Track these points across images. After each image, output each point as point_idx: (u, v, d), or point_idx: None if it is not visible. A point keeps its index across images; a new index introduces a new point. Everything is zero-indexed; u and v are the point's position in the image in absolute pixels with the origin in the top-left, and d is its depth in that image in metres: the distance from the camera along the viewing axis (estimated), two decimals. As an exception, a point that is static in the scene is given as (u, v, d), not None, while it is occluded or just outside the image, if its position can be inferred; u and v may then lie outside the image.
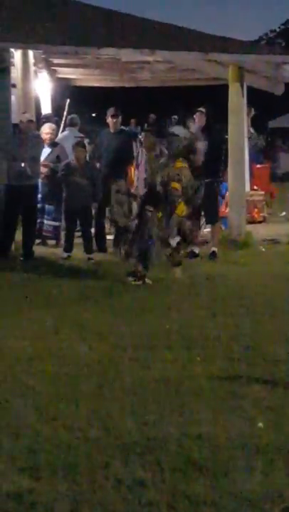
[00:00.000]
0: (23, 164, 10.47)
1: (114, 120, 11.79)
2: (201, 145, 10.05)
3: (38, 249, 11.14)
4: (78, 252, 10.91)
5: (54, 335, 6.79)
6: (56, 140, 12.16)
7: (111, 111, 11.86)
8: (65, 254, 10.85)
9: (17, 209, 10.68)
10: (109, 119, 11.85)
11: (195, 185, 9.77)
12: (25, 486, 3.88)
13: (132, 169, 12.10)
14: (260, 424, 4.65)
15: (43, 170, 11.50)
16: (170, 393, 5.22)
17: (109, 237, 11.82)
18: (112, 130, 11.84)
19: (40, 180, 11.35)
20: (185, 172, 9.48)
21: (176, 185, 9.34)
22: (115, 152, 11.56)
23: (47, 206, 11.88)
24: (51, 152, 11.76)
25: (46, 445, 4.35)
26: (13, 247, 10.84)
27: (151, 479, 3.94)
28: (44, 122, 12.71)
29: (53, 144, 11.92)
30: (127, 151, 11.76)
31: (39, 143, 11.33)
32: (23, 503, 3.73)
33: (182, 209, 9.40)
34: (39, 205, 11.64)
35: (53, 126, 12.39)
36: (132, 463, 4.13)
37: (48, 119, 13.27)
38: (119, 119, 11.90)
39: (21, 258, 10.55)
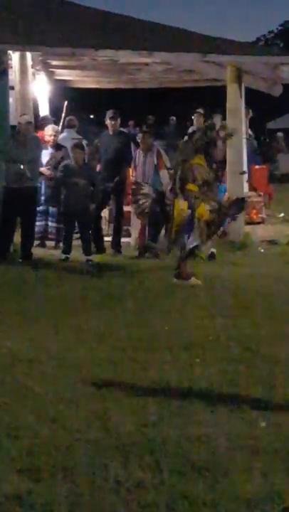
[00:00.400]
0: (22, 166, 10.46)
1: (113, 122, 11.80)
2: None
3: (37, 251, 11.13)
4: (77, 254, 10.90)
5: (53, 336, 6.79)
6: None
7: (110, 113, 11.87)
8: (64, 256, 10.84)
9: (16, 211, 10.67)
10: (108, 121, 11.87)
11: (214, 185, 9.56)
12: (24, 487, 3.88)
13: (130, 171, 12.09)
14: (263, 424, 4.66)
15: (46, 172, 11.50)
16: (169, 394, 5.22)
17: (107, 238, 11.83)
18: (110, 132, 11.85)
19: (43, 183, 11.37)
20: (200, 170, 9.25)
21: (191, 186, 9.18)
22: (114, 154, 11.58)
23: (51, 208, 11.87)
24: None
25: (45, 446, 4.35)
26: (11, 248, 10.84)
27: (150, 481, 3.94)
28: (42, 124, 12.70)
29: (57, 147, 11.91)
30: (125, 153, 11.77)
31: (38, 145, 11.31)
32: (22, 504, 3.73)
33: (202, 212, 9.14)
34: (43, 208, 11.64)
35: (56, 127, 12.36)
36: (131, 464, 4.13)
37: (46, 120, 13.27)
38: (118, 120, 11.91)
39: (20, 260, 10.54)
